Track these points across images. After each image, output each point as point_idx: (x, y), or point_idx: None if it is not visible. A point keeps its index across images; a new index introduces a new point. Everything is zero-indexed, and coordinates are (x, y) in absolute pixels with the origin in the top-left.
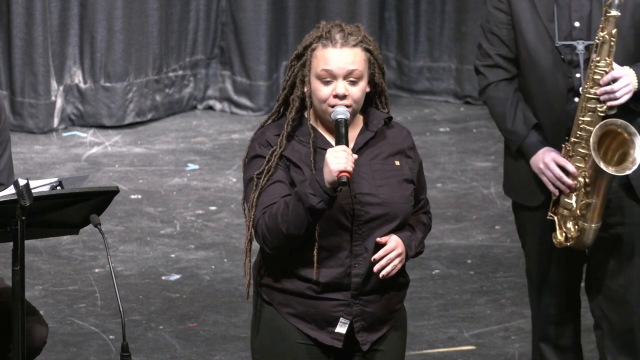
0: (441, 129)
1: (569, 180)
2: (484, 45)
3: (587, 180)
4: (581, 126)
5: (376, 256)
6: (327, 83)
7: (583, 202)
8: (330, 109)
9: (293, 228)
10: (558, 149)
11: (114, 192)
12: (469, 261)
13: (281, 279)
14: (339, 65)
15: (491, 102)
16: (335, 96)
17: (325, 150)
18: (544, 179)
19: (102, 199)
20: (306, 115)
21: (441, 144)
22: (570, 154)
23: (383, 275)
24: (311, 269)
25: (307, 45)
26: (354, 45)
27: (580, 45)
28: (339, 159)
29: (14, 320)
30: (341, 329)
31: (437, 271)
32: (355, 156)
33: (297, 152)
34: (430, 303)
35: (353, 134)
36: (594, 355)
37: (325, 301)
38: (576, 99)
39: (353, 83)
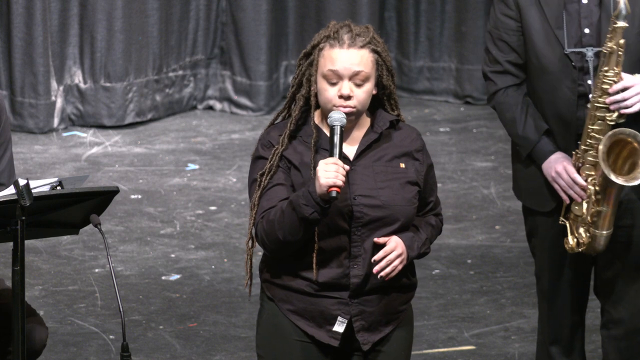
0: (441, 129)
1: (579, 189)
2: (493, 51)
3: (597, 188)
4: (591, 134)
5: (375, 257)
6: (333, 83)
7: (593, 209)
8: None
9: (289, 235)
10: (569, 154)
11: (114, 192)
12: (469, 261)
13: (282, 275)
14: (345, 66)
15: (501, 107)
16: (340, 97)
17: (328, 151)
18: (556, 186)
19: (102, 199)
20: (311, 115)
21: (441, 144)
22: (581, 161)
23: (382, 277)
24: (310, 269)
25: (315, 44)
26: (362, 47)
27: (590, 52)
28: (328, 173)
29: (14, 321)
30: (339, 327)
31: (437, 271)
32: (347, 167)
33: (298, 153)
34: (430, 303)
35: (359, 134)
36: (595, 356)
37: (324, 299)
38: (588, 105)
39: (359, 84)
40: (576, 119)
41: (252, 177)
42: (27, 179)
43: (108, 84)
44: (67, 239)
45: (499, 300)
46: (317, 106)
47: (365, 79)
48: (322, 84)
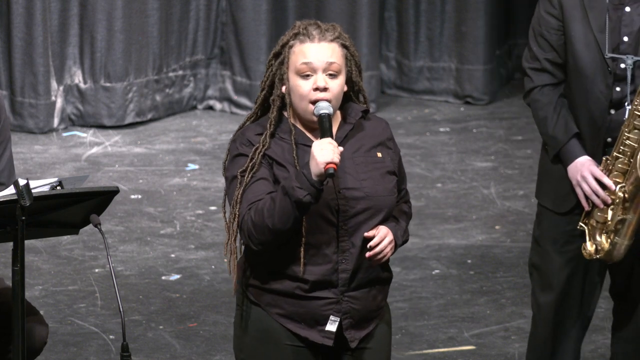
0: (441, 129)
1: (605, 195)
2: (534, 48)
3: (626, 195)
4: (626, 142)
5: (372, 243)
6: (306, 77)
7: (619, 217)
8: (312, 107)
9: (279, 223)
10: (596, 159)
11: (114, 192)
12: (469, 261)
13: (269, 279)
14: (318, 58)
15: (535, 105)
16: (316, 89)
17: (307, 146)
18: (579, 191)
19: (102, 199)
20: (285, 114)
21: (441, 144)
22: (610, 167)
23: (373, 261)
24: (299, 266)
25: (284, 43)
26: (331, 40)
27: (629, 60)
28: (325, 151)
29: (14, 321)
30: (331, 326)
31: (437, 271)
32: (341, 148)
33: (279, 149)
34: (430, 303)
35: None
36: (595, 356)
37: (314, 300)
38: (612, 111)
39: (332, 77)
40: (606, 125)
41: (232, 174)
42: (27, 179)
43: (108, 84)
44: (67, 239)
45: (499, 300)
46: (290, 105)
47: (338, 72)
48: (295, 80)
